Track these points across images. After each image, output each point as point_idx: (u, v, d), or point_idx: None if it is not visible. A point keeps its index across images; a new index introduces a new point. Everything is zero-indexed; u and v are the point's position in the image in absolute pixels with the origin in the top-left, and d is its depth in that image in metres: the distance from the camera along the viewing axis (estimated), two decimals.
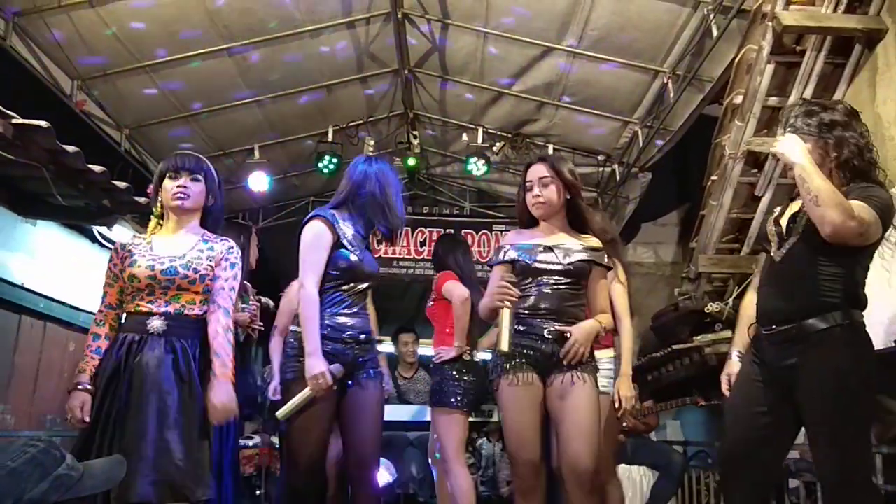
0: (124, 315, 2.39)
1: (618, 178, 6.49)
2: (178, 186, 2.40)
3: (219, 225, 2.55)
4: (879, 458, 3.15)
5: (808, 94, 3.78)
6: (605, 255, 2.68)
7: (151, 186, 2.54)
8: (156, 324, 2.29)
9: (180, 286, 2.33)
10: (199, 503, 2.16)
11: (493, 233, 7.65)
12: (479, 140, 6.44)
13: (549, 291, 2.55)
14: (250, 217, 7.65)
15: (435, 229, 7.61)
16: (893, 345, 3.18)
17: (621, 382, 3.08)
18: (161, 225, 2.49)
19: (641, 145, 5.83)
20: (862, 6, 3.53)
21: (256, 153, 6.35)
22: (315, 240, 2.53)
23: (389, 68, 5.90)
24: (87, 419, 2.21)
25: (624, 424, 4.31)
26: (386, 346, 5.71)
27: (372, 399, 2.57)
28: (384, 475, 4.85)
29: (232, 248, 2.46)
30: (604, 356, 3.08)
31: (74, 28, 4.51)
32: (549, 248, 2.59)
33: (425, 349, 4.95)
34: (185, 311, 2.34)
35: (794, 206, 2.31)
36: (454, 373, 3.42)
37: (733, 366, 2.43)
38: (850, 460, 2.08)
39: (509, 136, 6.49)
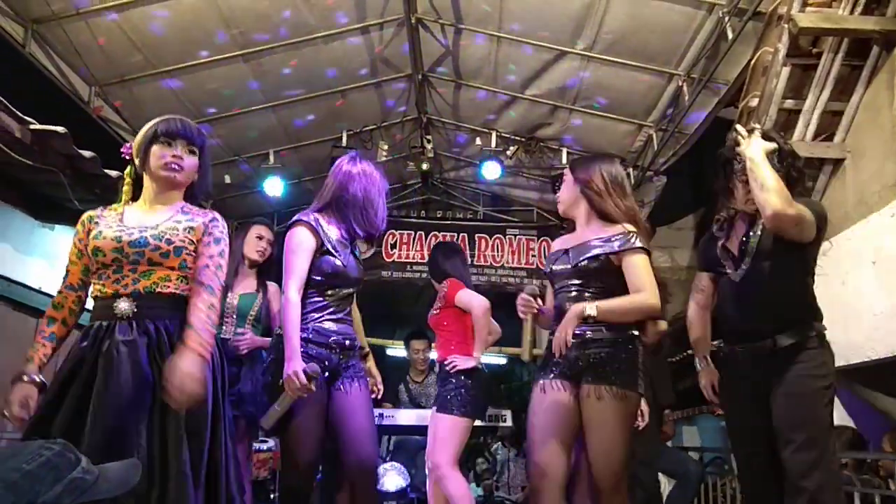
0: (91, 302, 2.09)
1: (633, 181, 6.45)
2: (172, 156, 2.11)
3: (196, 204, 2.27)
4: None
5: (824, 96, 3.74)
6: (635, 238, 2.42)
7: (130, 146, 2.22)
8: (123, 306, 1.99)
9: (151, 260, 2.02)
10: None
11: (507, 237, 7.63)
12: (493, 144, 6.42)
13: (568, 295, 2.50)
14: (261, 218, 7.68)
15: (448, 233, 7.60)
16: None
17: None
18: (135, 193, 2.19)
19: (656, 149, 5.80)
20: (879, 7, 3.49)
21: (271, 158, 6.38)
22: (297, 245, 2.52)
23: (403, 73, 5.91)
24: (26, 416, 1.91)
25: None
26: (398, 351, 5.71)
27: (357, 401, 2.56)
28: (397, 479, 4.84)
29: (215, 219, 2.17)
30: None
31: (92, 35, 4.57)
32: (566, 252, 2.55)
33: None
34: (158, 290, 2.02)
35: (739, 231, 2.46)
36: (470, 381, 3.38)
37: (709, 373, 2.58)
38: (825, 462, 2.20)
39: (523, 139, 6.47)
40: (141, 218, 2.11)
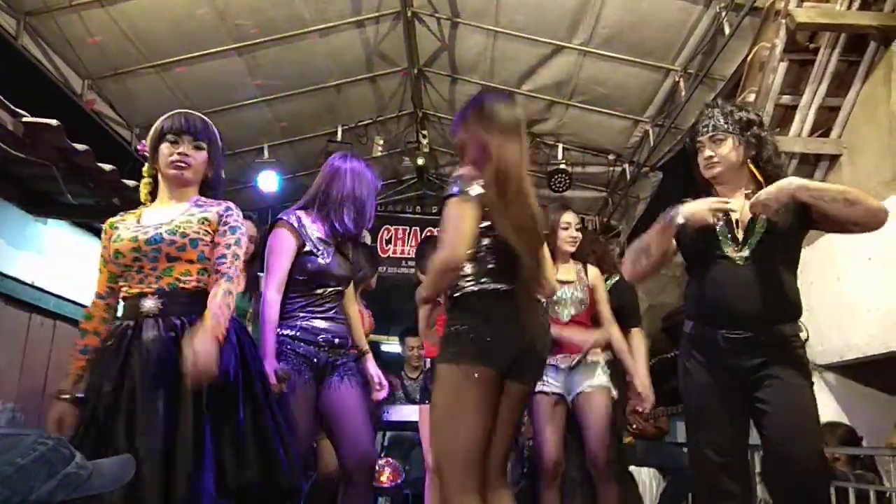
0: (122, 304, 2.13)
1: (628, 177, 6.45)
2: (178, 154, 2.12)
3: (218, 198, 2.27)
4: None
5: (821, 91, 3.74)
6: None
7: (145, 144, 2.23)
8: (148, 304, 2.02)
9: (169, 255, 2.04)
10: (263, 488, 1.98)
11: None
12: None
13: None
14: (260, 217, 7.65)
15: None
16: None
17: None
18: (153, 191, 2.22)
19: (652, 144, 5.79)
20: (877, 3, 3.50)
21: (266, 153, 6.35)
22: (277, 246, 2.52)
23: (399, 67, 5.88)
24: (64, 434, 1.97)
25: (634, 426, 4.28)
26: (393, 347, 5.69)
27: (350, 399, 2.56)
28: (392, 475, 4.83)
29: (230, 208, 2.17)
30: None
31: (85, 27, 4.53)
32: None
33: None
34: (181, 285, 2.05)
35: (742, 211, 2.26)
36: None
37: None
38: (820, 448, 2.19)
39: None
40: (157, 216, 2.12)
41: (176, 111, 2.23)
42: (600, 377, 3.14)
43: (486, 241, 2.04)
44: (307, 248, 2.55)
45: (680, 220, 2.19)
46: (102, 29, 4.57)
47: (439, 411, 1.94)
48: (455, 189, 2.02)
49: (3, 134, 3.32)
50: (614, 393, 3.17)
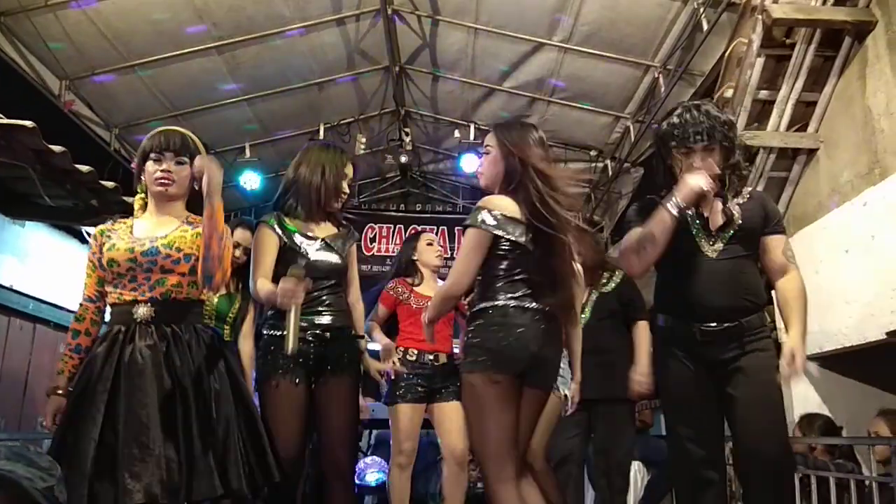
0: (108, 309, 2.22)
1: (610, 173, 6.49)
2: (161, 171, 2.21)
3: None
4: None
5: (798, 86, 3.77)
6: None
7: (135, 163, 2.35)
8: (141, 311, 2.12)
9: (164, 267, 2.15)
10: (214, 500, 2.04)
11: None
12: (472, 137, 6.42)
13: None
14: (242, 216, 7.62)
15: (427, 227, 7.58)
16: (885, 337, 3.19)
17: None
18: (145, 204, 2.32)
19: (633, 140, 5.82)
20: None
21: (248, 152, 6.32)
22: (259, 246, 2.55)
23: (380, 65, 5.88)
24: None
25: None
26: (376, 344, 5.67)
27: (337, 398, 2.52)
28: (377, 474, 4.84)
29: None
30: None
31: (62, 27, 4.48)
32: None
33: None
34: (174, 295, 2.16)
35: (714, 204, 2.31)
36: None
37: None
38: (786, 437, 2.31)
39: None
40: (149, 229, 2.23)
41: (157, 130, 2.31)
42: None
43: (506, 262, 2.20)
44: (288, 246, 2.54)
45: (674, 211, 2.20)
46: (79, 29, 4.53)
47: (471, 414, 2.17)
48: (474, 218, 2.19)
49: None
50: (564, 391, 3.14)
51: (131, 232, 2.24)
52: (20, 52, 4.52)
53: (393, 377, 3.37)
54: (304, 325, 2.48)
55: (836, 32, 3.61)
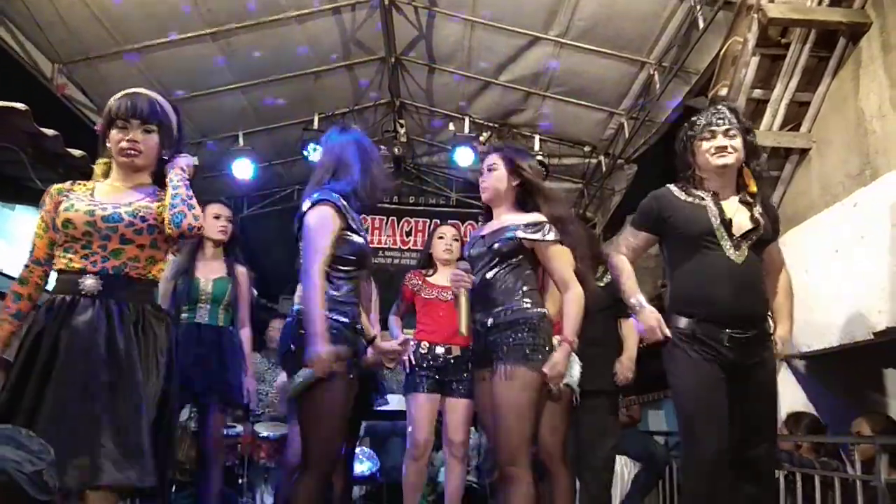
0: (54, 275, 2.06)
1: (604, 169, 6.50)
2: (127, 141, 2.04)
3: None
4: None
5: (792, 86, 3.79)
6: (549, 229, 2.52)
7: (100, 125, 2.16)
8: (89, 283, 1.97)
9: (124, 236, 1.99)
10: (133, 490, 1.96)
11: (479, 223, 7.62)
12: (466, 130, 6.41)
13: (484, 275, 2.55)
14: (234, 205, 7.59)
15: (421, 219, 7.59)
16: (872, 337, 3.21)
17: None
18: (109, 171, 2.15)
19: (627, 137, 5.83)
20: (846, 0, 3.55)
21: (241, 140, 6.29)
22: (321, 226, 2.34)
23: (376, 56, 5.85)
24: None
25: None
26: None
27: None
28: (366, 464, 4.86)
29: None
30: None
31: (56, 10, 4.44)
32: (482, 237, 2.62)
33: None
34: (127, 270, 2.00)
35: (739, 210, 2.43)
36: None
37: (653, 312, 2.45)
38: (775, 442, 2.48)
39: (496, 126, 6.46)
40: (113, 195, 2.07)
41: (125, 91, 2.13)
42: None
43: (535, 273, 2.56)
44: (352, 227, 2.39)
45: (633, 304, 2.52)
46: (73, 12, 4.49)
47: (517, 408, 2.36)
48: (551, 235, 2.48)
49: None
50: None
51: (92, 195, 2.07)
52: (13, 34, 4.48)
53: (408, 369, 3.47)
54: (357, 314, 2.46)
55: (831, 33, 3.62)
